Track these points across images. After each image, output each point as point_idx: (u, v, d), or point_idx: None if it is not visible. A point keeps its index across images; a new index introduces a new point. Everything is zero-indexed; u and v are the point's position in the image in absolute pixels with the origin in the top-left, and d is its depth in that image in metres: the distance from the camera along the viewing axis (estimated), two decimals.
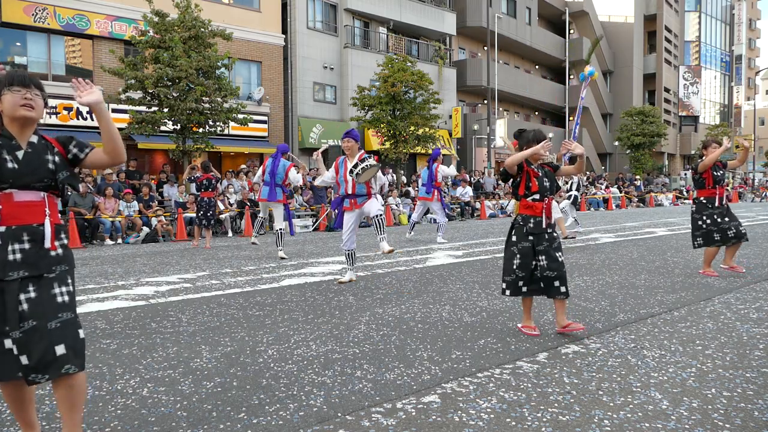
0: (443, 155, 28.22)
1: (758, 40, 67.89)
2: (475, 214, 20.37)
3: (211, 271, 7.96)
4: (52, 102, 17.72)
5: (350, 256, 6.70)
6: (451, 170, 12.78)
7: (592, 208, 24.27)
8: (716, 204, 6.58)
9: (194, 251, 10.74)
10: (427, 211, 12.49)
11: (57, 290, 2.31)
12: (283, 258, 9.12)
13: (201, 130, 16.58)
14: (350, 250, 6.65)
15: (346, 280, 6.69)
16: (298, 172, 9.60)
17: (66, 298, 2.33)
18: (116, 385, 3.29)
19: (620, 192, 27.85)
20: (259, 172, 9.60)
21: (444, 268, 7.82)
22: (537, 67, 40.40)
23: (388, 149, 21.59)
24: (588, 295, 5.71)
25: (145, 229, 13.50)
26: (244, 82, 22.82)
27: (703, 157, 6.66)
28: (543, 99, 38.40)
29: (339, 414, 2.82)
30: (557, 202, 8.93)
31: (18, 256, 2.26)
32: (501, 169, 4.31)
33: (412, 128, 21.49)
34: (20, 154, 2.31)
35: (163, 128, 16.29)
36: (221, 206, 14.58)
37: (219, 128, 16.97)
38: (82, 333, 2.36)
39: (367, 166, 6.18)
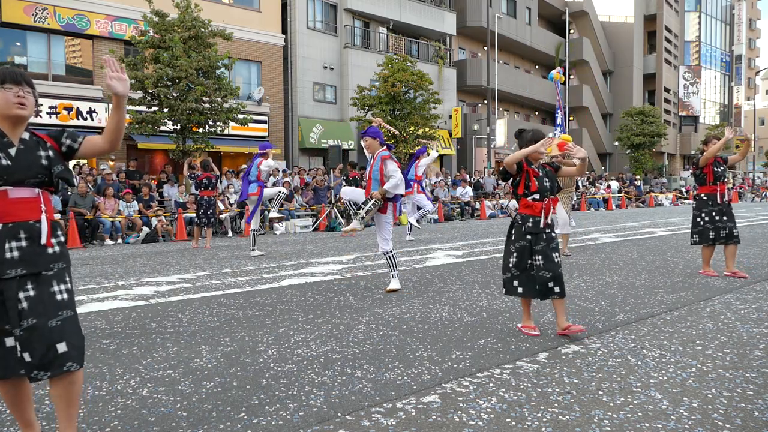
0: (444, 155, 28.36)
1: (758, 40, 67.90)
2: (475, 214, 20.37)
3: (211, 271, 7.96)
4: (52, 102, 17.73)
5: (390, 259, 6.16)
6: (431, 156, 12.47)
7: (592, 208, 24.27)
8: (717, 201, 6.56)
9: (194, 251, 10.74)
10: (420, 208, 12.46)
11: (56, 288, 2.32)
12: (257, 255, 9.53)
13: (201, 130, 16.59)
14: (386, 252, 6.15)
15: (394, 288, 6.14)
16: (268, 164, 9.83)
17: (65, 296, 2.34)
18: (116, 385, 3.29)
19: (618, 185, 27.80)
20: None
21: (444, 268, 7.82)
22: (537, 67, 40.39)
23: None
24: (588, 295, 5.70)
25: (145, 229, 13.50)
26: (244, 82, 22.83)
27: (705, 153, 6.66)
28: (543, 99, 38.40)
29: (339, 414, 2.82)
30: (568, 215, 8.86)
31: (15, 253, 2.26)
32: (501, 168, 4.31)
33: (412, 128, 21.50)
34: (13, 151, 2.31)
35: (163, 128, 16.30)
36: (221, 206, 14.58)
37: (219, 128, 16.97)
38: (81, 330, 2.39)
39: (370, 208, 6.07)
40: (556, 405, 2.90)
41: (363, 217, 6.09)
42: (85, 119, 18.48)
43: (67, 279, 2.39)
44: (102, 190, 13.55)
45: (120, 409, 2.95)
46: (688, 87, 49.66)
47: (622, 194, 27.26)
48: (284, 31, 24.11)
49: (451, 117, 29.13)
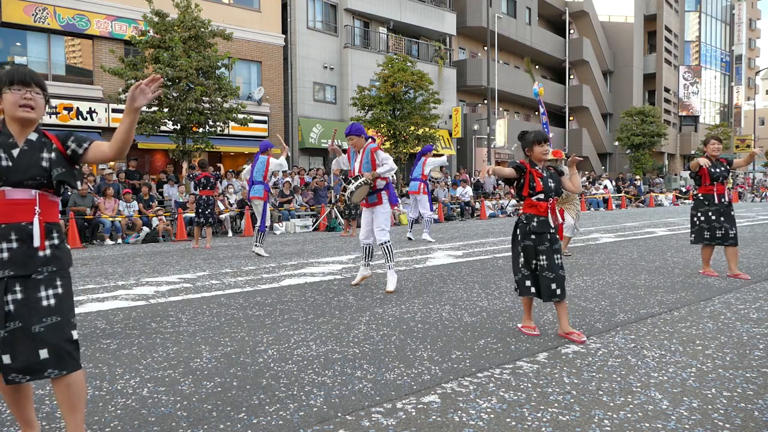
0: (443, 155, 28.36)
1: (758, 40, 67.93)
2: (475, 214, 20.38)
3: (211, 271, 7.96)
4: (52, 102, 17.71)
5: (366, 251, 6.47)
6: (441, 159, 12.56)
7: (592, 208, 24.27)
8: (715, 201, 6.55)
9: (194, 251, 10.74)
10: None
11: (43, 293, 2.28)
12: (259, 255, 9.43)
13: (201, 130, 16.58)
14: (366, 245, 6.44)
15: (355, 282, 6.53)
16: (279, 157, 9.67)
17: (52, 301, 2.29)
18: (116, 385, 3.29)
19: (612, 185, 27.76)
20: (247, 169, 9.84)
21: (444, 268, 7.82)
22: (537, 67, 40.39)
23: (388, 149, 21.59)
24: (588, 295, 5.70)
25: (145, 229, 13.50)
26: (244, 82, 22.82)
27: (705, 154, 6.66)
28: (543, 99, 38.36)
29: (339, 414, 2.82)
30: (575, 221, 8.83)
31: (5, 255, 2.24)
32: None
33: (412, 128, 21.49)
34: (16, 152, 2.29)
35: (163, 128, 16.29)
36: (221, 206, 14.57)
37: (219, 128, 16.96)
38: (75, 334, 2.33)
39: (359, 184, 6.04)
40: (556, 405, 2.90)
41: (352, 192, 6.07)
42: (85, 119, 18.48)
43: (58, 284, 2.33)
44: (102, 190, 13.55)
45: (120, 409, 2.95)
46: (688, 87, 49.66)
47: (622, 194, 27.26)
48: (284, 31, 24.11)
49: (451, 117, 29.12)
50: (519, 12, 35.65)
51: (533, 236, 4.16)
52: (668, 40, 47.04)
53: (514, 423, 2.70)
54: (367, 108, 21.44)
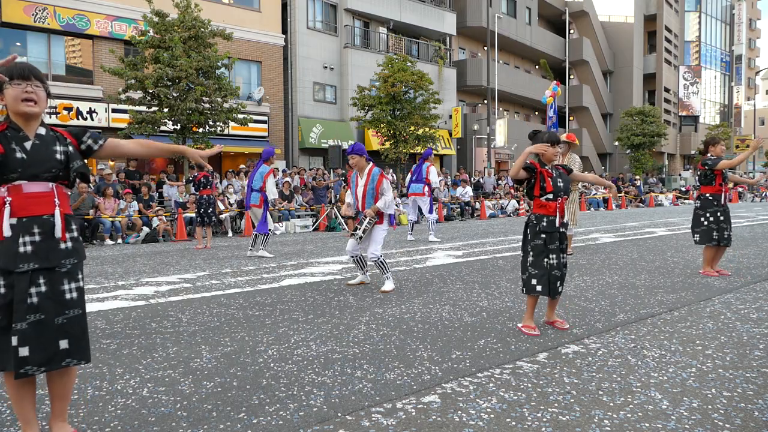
0: (444, 155, 28.37)
1: (758, 40, 67.91)
2: (475, 214, 20.37)
3: (211, 271, 7.96)
4: (52, 102, 17.63)
5: (356, 261, 6.53)
6: (437, 179, 12.20)
7: (592, 208, 24.26)
8: (721, 202, 6.57)
9: (194, 251, 10.74)
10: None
11: (66, 286, 2.35)
12: (260, 257, 9.38)
13: (201, 130, 16.58)
14: (354, 255, 6.48)
15: (352, 283, 6.61)
16: (274, 183, 9.72)
17: (75, 294, 2.37)
18: (116, 385, 3.29)
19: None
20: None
21: (444, 268, 7.82)
22: (537, 67, 40.41)
23: (388, 149, 21.60)
24: (588, 295, 5.70)
25: (145, 229, 13.50)
26: (244, 82, 22.82)
27: (709, 154, 6.63)
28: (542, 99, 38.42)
29: (339, 414, 2.82)
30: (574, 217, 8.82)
31: (29, 248, 2.28)
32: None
33: (412, 128, 21.49)
34: (28, 144, 2.34)
35: (163, 128, 16.28)
36: (221, 206, 14.57)
37: (219, 128, 16.96)
38: (87, 327, 2.43)
39: (368, 223, 6.23)
40: (556, 405, 2.90)
41: (360, 237, 6.28)
42: (85, 119, 18.47)
43: (79, 277, 2.42)
44: (102, 190, 13.55)
45: (120, 409, 2.95)
46: (688, 87, 49.66)
47: (622, 194, 27.25)
48: (284, 31, 24.10)
49: (451, 117, 29.12)
50: (519, 12, 35.65)
51: (543, 235, 4.23)
52: (668, 40, 47.04)
53: (514, 423, 2.70)
54: (367, 108, 21.43)
